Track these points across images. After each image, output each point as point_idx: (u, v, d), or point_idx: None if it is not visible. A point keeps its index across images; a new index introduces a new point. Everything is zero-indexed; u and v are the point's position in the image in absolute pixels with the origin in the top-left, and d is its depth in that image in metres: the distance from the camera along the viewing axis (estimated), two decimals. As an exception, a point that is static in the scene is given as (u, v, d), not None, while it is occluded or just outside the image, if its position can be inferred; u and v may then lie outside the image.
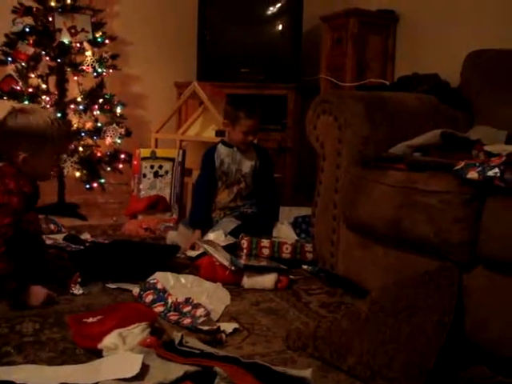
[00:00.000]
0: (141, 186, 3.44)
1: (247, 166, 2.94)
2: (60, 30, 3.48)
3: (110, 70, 3.69)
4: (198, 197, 3.00)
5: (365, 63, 3.35)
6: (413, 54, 3.31)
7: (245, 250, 2.45)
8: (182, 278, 2.13)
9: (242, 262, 2.26)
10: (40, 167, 1.98)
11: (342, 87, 3.32)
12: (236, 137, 2.89)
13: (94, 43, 3.60)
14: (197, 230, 2.78)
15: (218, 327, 1.73)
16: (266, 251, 2.46)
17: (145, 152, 3.48)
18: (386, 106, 2.25)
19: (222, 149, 2.98)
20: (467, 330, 1.58)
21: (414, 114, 2.30)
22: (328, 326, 1.65)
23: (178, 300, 1.92)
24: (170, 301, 1.91)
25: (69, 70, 3.54)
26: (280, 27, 3.83)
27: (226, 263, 2.23)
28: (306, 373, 1.41)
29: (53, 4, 3.46)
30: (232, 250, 2.43)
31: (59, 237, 2.60)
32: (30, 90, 3.41)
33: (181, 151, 3.47)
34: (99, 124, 3.60)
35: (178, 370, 1.35)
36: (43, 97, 3.46)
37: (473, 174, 1.56)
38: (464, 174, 1.58)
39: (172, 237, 2.82)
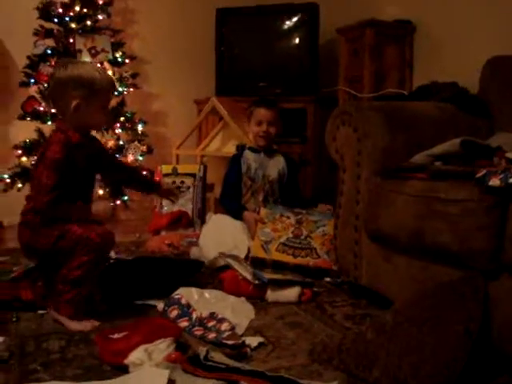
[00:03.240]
0: (163, 202, 3.46)
1: (274, 171, 2.97)
2: (81, 51, 3.54)
3: (131, 89, 3.74)
4: (227, 195, 3.05)
5: (382, 73, 3.35)
6: (431, 62, 3.30)
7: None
8: (206, 293, 2.14)
9: (266, 275, 2.26)
10: (91, 115, 2.02)
11: (361, 98, 3.32)
12: (253, 131, 2.94)
13: (114, 63, 3.66)
14: (245, 213, 2.87)
15: (243, 341, 1.72)
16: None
17: (166, 168, 3.50)
18: (405, 116, 2.25)
19: (248, 154, 3.01)
20: (494, 339, 1.56)
21: (434, 123, 2.28)
22: (353, 338, 1.65)
23: (203, 315, 1.92)
24: (194, 316, 1.92)
25: (90, 89, 3.60)
26: (297, 40, 3.85)
27: (250, 277, 2.24)
28: (332, 385, 1.40)
29: (73, 26, 3.53)
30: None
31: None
32: (53, 110, 3.47)
33: (202, 167, 3.49)
34: (121, 142, 3.65)
35: (203, 384, 1.36)
36: (66, 117, 3.51)
37: (495, 181, 1.55)
38: (486, 182, 1.57)
39: (195, 252, 2.83)
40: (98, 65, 3.54)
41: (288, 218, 2.66)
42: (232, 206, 2.99)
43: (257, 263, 2.50)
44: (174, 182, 3.47)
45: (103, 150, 2.30)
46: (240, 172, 3.03)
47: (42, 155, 1.97)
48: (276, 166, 3.01)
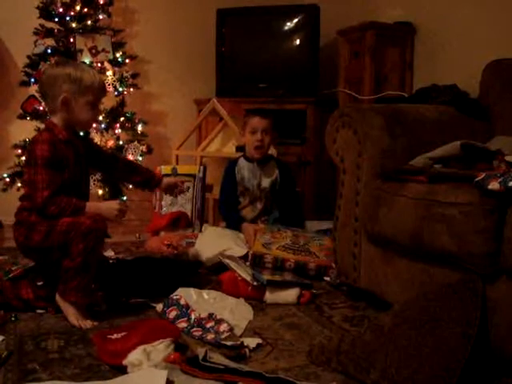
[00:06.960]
0: (162, 203, 3.46)
1: (267, 181, 2.96)
2: (81, 51, 3.53)
3: (131, 89, 3.74)
4: (225, 204, 3.07)
5: (383, 76, 3.35)
6: (431, 65, 3.31)
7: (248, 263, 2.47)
8: (205, 294, 2.14)
9: (265, 276, 2.27)
10: (79, 111, 2.06)
11: (361, 100, 3.32)
12: (247, 141, 2.94)
13: (114, 63, 3.65)
14: (244, 224, 2.88)
15: (242, 342, 1.73)
16: (268, 265, 2.48)
17: (166, 169, 3.51)
18: (406, 119, 2.25)
19: (242, 163, 3.01)
20: (492, 342, 1.57)
21: (434, 126, 2.29)
22: (351, 339, 1.65)
23: (201, 316, 1.93)
24: (193, 316, 1.92)
25: (90, 89, 3.60)
26: (297, 42, 3.85)
27: (249, 278, 2.24)
28: (330, 387, 1.41)
29: (74, 25, 3.53)
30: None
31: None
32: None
33: (201, 167, 3.49)
34: (121, 142, 3.64)
35: (202, 385, 1.36)
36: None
37: (494, 185, 1.55)
38: (485, 185, 1.58)
39: (194, 253, 2.84)
40: (99, 64, 3.55)
41: (285, 232, 2.69)
42: (231, 216, 2.99)
43: (258, 259, 2.47)
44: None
45: (96, 145, 2.35)
46: (235, 181, 3.02)
47: (30, 155, 2.00)
48: (269, 175, 3.01)
